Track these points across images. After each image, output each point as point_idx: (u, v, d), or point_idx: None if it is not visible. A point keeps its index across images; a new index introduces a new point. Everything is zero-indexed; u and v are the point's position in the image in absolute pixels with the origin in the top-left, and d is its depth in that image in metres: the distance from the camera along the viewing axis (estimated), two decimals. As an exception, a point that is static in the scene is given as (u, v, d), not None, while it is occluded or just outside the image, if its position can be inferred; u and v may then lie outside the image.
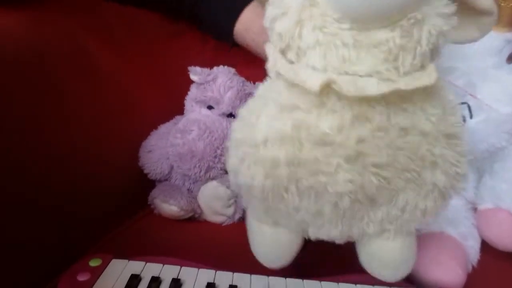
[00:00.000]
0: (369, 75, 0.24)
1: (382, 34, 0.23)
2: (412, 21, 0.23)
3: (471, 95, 0.41)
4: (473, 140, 0.42)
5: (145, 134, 0.53)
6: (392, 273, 0.33)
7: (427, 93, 0.25)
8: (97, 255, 0.35)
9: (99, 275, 0.33)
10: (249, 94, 0.51)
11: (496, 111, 0.41)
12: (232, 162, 0.30)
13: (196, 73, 0.51)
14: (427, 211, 0.29)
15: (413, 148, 0.26)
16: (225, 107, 0.50)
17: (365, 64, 0.24)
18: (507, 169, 0.45)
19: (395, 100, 0.25)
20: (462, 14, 0.25)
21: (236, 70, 0.53)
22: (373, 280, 0.35)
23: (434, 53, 0.25)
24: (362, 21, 0.23)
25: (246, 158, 0.28)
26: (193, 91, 0.53)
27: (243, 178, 0.29)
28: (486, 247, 0.45)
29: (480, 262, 0.43)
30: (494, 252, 0.44)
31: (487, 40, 0.42)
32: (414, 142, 0.26)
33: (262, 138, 0.27)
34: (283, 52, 0.27)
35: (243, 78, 0.53)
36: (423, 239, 0.42)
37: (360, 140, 0.25)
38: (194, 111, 0.52)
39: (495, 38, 0.42)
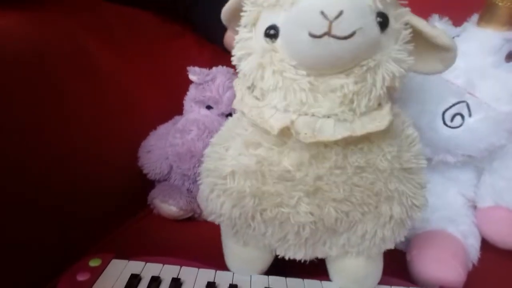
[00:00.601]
0: (327, 117, 0.26)
1: (336, 81, 0.25)
2: (365, 68, 0.24)
3: (470, 93, 0.41)
4: (473, 139, 0.42)
5: (144, 134, 0.53)
6: (358, 286, 0.35)
7: (384, 132, 0.27)
8: (97, 255, 0.35)
9: (99, 275, 0.33)
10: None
11: (495, 110, 0.41)
12: (202, 189, 0.32)
13: (195, 73, 0.51)
14: (386, 239, 0.31)
15: (369, 185, 0.28)
16: (224, 107, 0.50)
17: (322, 107, 0.25)
18: (507, 167, 0.45)
19: (352, 140, 0.26)
20: (425, 48, 0.27)
21: (235, 71, 0.53)
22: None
23: (391, 92, 0.27)
24: (316, 69, 0.25)
25: (216, 188, 0.31)
26: (192, 91, 0.53)
27: (213, 206, 0.31)
28: (486, 245, 0.45)
29: (480, 260, 0.43)
30: (495, 250, 0.44)
31: (486, 39, 0.42)
32: (370, 179, 0.28)
33: (230, 171, 0.29)
34: (250, 89, 0.29)
35: (242, 78, 0.53)
36: (424, 238, 0.42)
37: (318, 177, 0.27)
38: (193, 111, 0.52)
39: (493, 37, 0.42)
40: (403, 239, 0.32)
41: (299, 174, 0.27)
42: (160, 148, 0.51)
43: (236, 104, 0.29)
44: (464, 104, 0.41)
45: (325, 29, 0.22)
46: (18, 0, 0.38)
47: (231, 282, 0.34)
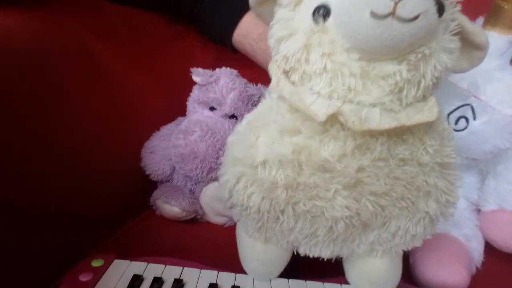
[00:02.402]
0: (373, 105, 0.24)
1: (389, 67, 0.23)
2: (419, 55, 0.23)
3: (475, 96, 0.41)
4: (477, 142, 0.42)
5: (147, 135, 0.53)
6: None
7: (426, 125, 0.26)
8: (99, 255, 0.35)
9: (101, 276, 0.33)
10: (252, 96, 0.51)
11: (500, 113, 0.41)
12: (227, 179, 0.30)
13: (198, 74, 0.51)
14: (416, 236, 0.30)
15: (410, 178, 0.27)
16: (227, 109, 0.50)
17: (370, 94, 0.24)
18: (511, 170, 0.45)
19: (397, 132, 0.25)
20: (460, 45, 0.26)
21: (239, 72, 0.53)
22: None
23: (435, 85, 0.26)
24: (371, 53, 0.23)
25: (243, 177, 0.29)
26: (195, 92, 0.53)
27: (239, 197, 0.29)
28: (490, 249, 0.44)
29: (484, 263, 0.43)
30: (498, 254, 0.44)
31: (491, 42, 0.42)
32: (412, 173, 0.27)
33: (262, 160, 0.28)
34: (286, 73, 0.27)
35: (245, 80, 0.53)
36: (427, 241, 0.42)
37: (360, 169, 0.26)
38: (196, 112, 0.52)
39: (499, 40, 0.42)
40: (430, 236, 0.31)
41: (340, 165, 0.26)
42: (163, 149, 0.50)
43: (272, 89, 0.27)
44: (468, 107, 0.41)
45: (389, 9, 0.20)
46: (20, 1, 0.38)
47: (233, 284, 0.34)
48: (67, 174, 0.40)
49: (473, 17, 0.45)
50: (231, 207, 0.32)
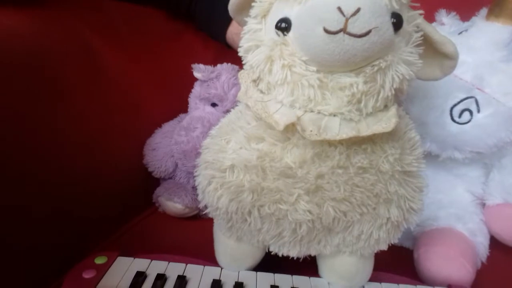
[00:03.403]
0: (333, 115, 0.25)
1: (346, 79, 0.24)
2: (376, 68, 0.24)
3: (478, 89, 0.41)
4: (481, 135, 0.42)
5: (149, 132, 0.53)
6: (348, 283, 0.35)
7: (388, 134, 0.26)
8: (102, 252, 0.35)
9: (105, 273, 0.33)
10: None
11: (504, 105, 0.40)
12: (199, 181, 0.32)
13: (199, 71, 0.51)
14: (380, 241, 0.31)
15: (369, 186, 0.27)
16: (229, 104, 0.50)
17: (329, 105, 0.25)
18: (516, 163, 0.44)
19: (356, 140, 0.26)
20: (427, 55, 0.27)
21: (240, 67, 0.53)
22: (381, 278, 0.35)
23: (398, 94, 0.27)
24: (327, 66, 0.24)
25: (213, 180, 0.30)
26: (196, 89, 0.53)
27: (209, 199, 0.31)
28: (495, 243, 0.44)
29: (489, 258, 0.42)
30: (504, 248, 0.44)
31: (494, 33, 0.42)
32: (371, 180, 0.27)
33: (229, 164, 0.29)
34: (254, 81, 0.28)
35: (247, 75, 0.52)
36: (431, 235, 0.42)
37: (320, 176, 0.27)
38: (198, 108, 0.52)
39: (502, 31, 0.42)
40: (396, 241, 0.32)
41: (300, 171, 0.27)
42: (165, 146, 0.50)
43: (240, 97, 0.29)
44: (472, 100, 0.41)
45: (341, 26, 0.22)
46: (21, 0, 0.38)
47: (236, 280, 0.34)
48: (69, 172, 0.40)
49: (476, 8, 0.45)
50: (204, 207, 0.33)
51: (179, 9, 0.55)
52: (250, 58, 0.27)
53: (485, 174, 0.47)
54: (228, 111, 0.51)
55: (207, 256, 0.37)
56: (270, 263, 0.36)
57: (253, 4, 0.28)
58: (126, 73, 0.51)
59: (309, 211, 0.28)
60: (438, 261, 0.38)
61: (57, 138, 0.39)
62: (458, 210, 0.44)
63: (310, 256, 0.34)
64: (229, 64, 0.53)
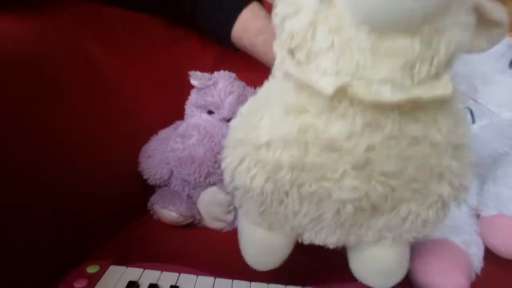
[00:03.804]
0: (384, 82, 0.23)
1: (401, 41, 0.22)
2: (433, 29, 0.22)
3: (473, 100, 0.41)
4: (475, 146, 0.41)
5: (145, 139, 0.53)
6: (384, 281, 0.33)
7: (440, 103, 0.24)
8: (95, 261, 0.35)
9: (97, 282, 0.33)
10: (250, 99, 0.51)
11: (498, 117, 0.41)
12: (229, 161, 0.29)
13: (196, 78, 0.51)
14: (428, 221, 0.29)
15: (422, 159, 0.25)
16: (225, 112, 0.50)
17: (380, 70, 0.23)
18: (510, 175, 0.44)
19: (409, 109, 0.24)
20: (476, 23, 0.25)
21: (237, 75, 0.53)
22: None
23: (448, 64, 0.24)
24: (382, 27, 0.22)
25: (246, 159, 0.28)
26: (193, 96, 0.53)
27: (241, 179, 0.28)
28: (489, 255, 0.44)
29: (483, 270, 0.42)
30: (498, 260, 0.44)
31: (489, 45, 0.42)
32: (424, 152, 0.25)
33: (266, 140, 0.26)
34: (291, 52, 0.25)
35: (243, 83, 0.53)
36: (426, 247, 0.42)
37: (370, 148, 0.24)
38: (194, 116, 0.52)
39: (497, 43, 0.42)
40: (442, 223, 0.29)
41: (348, 143, 0.24)
42: (160, 153, 0.50)
43: (276, 68, 0.26)
44: (467, 111, 0.41)
45: None
46: (21, 4, 0.38)
47: (230, 290, 0.34)
48: (64, 178, 0.40)
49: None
50: (232, 191, 0.30)
51: (181, 11, 0.54)
52: (288, 25, 0.25)
53: (479, 185, 0.47)
54: (224, 118, 0.51)
55: (201, 265, 0.37)
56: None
57: None
58: (123, 78, 0.51)
59: (356, 188, 0.26)
60: (432, 273, 0.38)
61: (52, 143, 0.38)
62: (452, 221, 0.44)
63: (343, 250, 0.31)
64: (226, 71, 0.53)
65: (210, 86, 0.51)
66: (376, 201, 0.26)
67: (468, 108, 0.41)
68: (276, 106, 0.27)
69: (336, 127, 0.24)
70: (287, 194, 0.27)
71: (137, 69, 0.53)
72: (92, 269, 0.34)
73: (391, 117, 0.24)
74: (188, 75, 0.52)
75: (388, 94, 0.23)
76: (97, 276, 0.33)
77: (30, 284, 0.35)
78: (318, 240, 0.30)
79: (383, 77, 0.23)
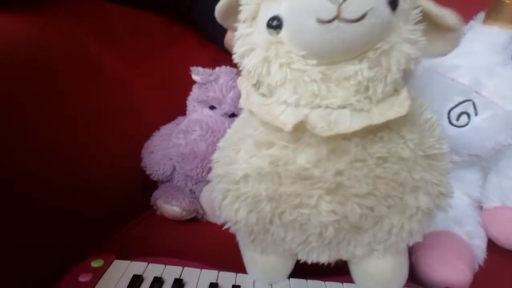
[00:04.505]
0: (342, 107, 0.24)
1: (350, 68, 0.23)
2: (378, 51, 0.23)
3: (476, 92, 0.41)
4: (479, 138, 0.42)
5: (147, 135, 0.53)
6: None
7: (404, 118, 0.25)
8: (99, 255, 0.35)
9: (101, 276, 0.33)
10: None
11: (502, 108, 0.41)
12: (215, 196, 0.31)
13: (198, 73, 0.51)
14: (413, 232, 0.29)
15: (392, 175, 0.26)
16: (227, 107, 0.50)
17: (336, 97, 0.24)
18: (513, 167, 0.44)
19: (371, 129, 0.25)
20: (430, 30, 0.26)
21: (239, 71, 0.53)
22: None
23: (407, 76, 0.25)
24: (328, 57, 0.23)
25: (228, 194, 0.29)
26: (195, 92, 0.53)
27: (227, 213, 0.30)
28: (492, 246, 0.44)
29: (486, 261, 0.42)
30: (501, 251, 0.44)
31: (492, 36, 0.42)
32: (393, 170, 0.26)
33: (242, 174, 0.28)
34: (255, 86, 0.27)
35: (245, 78, 0.52)
36: (429, 238, 0.42)
37: (338, 173, 0.25)
38: (196, 111, 0.52)
39: (500, 35, 0.42)
40: (430, 229, 0.30)
41: (317, 171, 0.25)
42: (163, 149, 0.50)
43: (242, 103, 0.28)
44: (470, 103, 0.41)
45: (334, 13, 0.21)
46: (20, 2, 0.38)
47: (234, 283, 0.34)
48: (67, 175, 0.40)
49: (474, 12, 0.45)
50: (224, 223, 0.32)
51: (179, 13, 0.55)
52: (246, 62, 0.26)
53: (482, 177, 0.47)
54: (226, 114, 0.51)
55: (205, 259, 0.37)
56: (304, 268, 0.34)
57: (239, 8, 0.27)
58: (124, 75, 0.51)
59: (333, 211, 0.26)
60: (435, 264, 0.38)
61: (53, 141, 0.39)
62: (455, 213, 0.44)
63: (341, 260, 0.32)
64: (228, 67, 0.52)
65: (212, 82, 0.51)
66: (356, 221, 0.27)
67: (471, 100, 0.41)
68: (248, 141, 0.28)
69: (303, 157, 0.26)
70: (270, 223, 0.29)
71: (137, 66, 0.53)
72: (96, 264, 0.34)
73: (354, 141, 0.25)
74: (190, 71, 0.52)
75: (345, 124, 0.24)
76: (101, 270, 0.34)
77: (30, 284, 0.35)
78: (311, 259, 0.31)
79: (340, 103, 0.24)
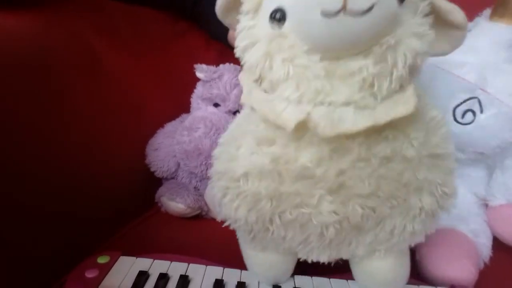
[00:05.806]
0: (346, 105, 0.23)
1: (354, 63, 0.23)
2: (385, 46, 0.22)
3: (481, 89, 0.41)
4: (484, 135, 0.41)
5: (151, 133, 0.53)
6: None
7: (409, 116, 0.24)
8: (105, 252, 0.36)
9: (107, 272, 0.33)
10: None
11: (507, 106, 0.40)
12: (214, 193, 0.30)
13: (202, 71, 0.51)
14: (415, 233, 0.28)
15: (396, 176, 0.25)
16: (231, 105, 0.50)
17: (340, 94, 0.23)
18: (519, 164, 0.44)
19: (375, 128, 0.24)
20: (434, 27, 0.25)
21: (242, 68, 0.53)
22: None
23: (413, 72, 0.24)
24: (332, 52, 0.23)
25: (228, 191, 0.29)
26: (199, 89, 0.53)
27: (227, 211, 0.29)
28: (498, 244, 0.44)
29: (492, 259, 0.42)
30: (506, 249, 0.44)
31: (498, 33, 0.42)
32: (397, 170, 0.25)
33: (242, 172, 0.27)
34: (257, 81, 0.26)
35: (249, 75, 0.52)
36: (435, 236, 0.41)
37: (341, 172, 0.25)
38: (200, 108, 0.52)
39: (505, 32, 0.42)
40: (433, 230, 0.29)
41: (319, 170, 0.25)
42: (167, 146, 0.51)
43: (244, 99, 0.27)
44: (475, 100, 0.41)
45: (340, 5, 0.20)
46: (25, 1, 0.38)
47: (239, 280, 0.34)
48: (72, 172, 0.40)
49: (480, 8, 0.44)
50: (224, 220, 0.32)
51: (183, 10, 0.55)
52: (247, 57, 0.25)
53: (488, 175, 0.47)
54: (230, 111, 0.51)
55: (210, 256, 0.37)
56: (306, 265, 0.34)
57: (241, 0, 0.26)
58: (128, 73, 0.51)
59: (335, 212, 0.26)
60: (440, 263, 0.38)
61: (57, 139, 0.39)
62: (461, 211, 0.44)
63: (342, 259, 0.32)
64: (232, 64, 0.53)
65: (216, 79, 0.51)
66: (357, 222, 0.27)
67: (476, 97, 0.41)
68: (249, 137, 0.27)
69: (305, 155, 0.25)
70: (270, 222, 0.28)
71: (141, 63, 0.53)
72: (102, 260, 0.34)
73: (358, 140, 0.24)
74: (194, 68, 0.52)
75: (349, 122, 0.23)
76: (107, 267, 0.34)
77: (30, 284, 0.35)
78: (311, 258, 0.31)
79: (344, 100, 0.23)
